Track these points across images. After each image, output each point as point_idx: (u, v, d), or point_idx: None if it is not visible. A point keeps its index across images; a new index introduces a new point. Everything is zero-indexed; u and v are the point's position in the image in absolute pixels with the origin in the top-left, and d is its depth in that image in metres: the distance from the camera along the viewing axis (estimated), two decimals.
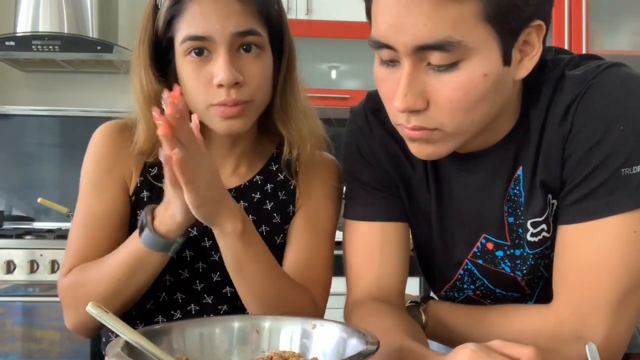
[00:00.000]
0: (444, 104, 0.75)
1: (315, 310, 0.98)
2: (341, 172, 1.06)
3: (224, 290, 1.01)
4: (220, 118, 0.93)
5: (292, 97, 1.02)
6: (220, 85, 0.91)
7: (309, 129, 1.03)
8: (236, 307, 0.99)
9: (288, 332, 0.74)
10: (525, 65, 0.78)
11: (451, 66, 0.73)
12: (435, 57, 0.73)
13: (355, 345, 0.66)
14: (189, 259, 1.00)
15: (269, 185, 1.05)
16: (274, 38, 0.98)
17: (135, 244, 0.90)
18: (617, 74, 0.81)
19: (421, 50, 0.73)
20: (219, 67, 0.91)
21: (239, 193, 1.03)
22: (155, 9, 0.97)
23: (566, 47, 2.58)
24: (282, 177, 1.06)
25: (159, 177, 0.99)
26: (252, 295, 0.93)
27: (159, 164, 0.99)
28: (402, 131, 0.81)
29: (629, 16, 2.80)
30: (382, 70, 0.80)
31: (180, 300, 1.00)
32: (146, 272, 0.91)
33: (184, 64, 0.94)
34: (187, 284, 1.00)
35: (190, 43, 0.92)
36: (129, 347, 0.64)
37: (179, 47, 0.93)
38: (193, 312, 1.00)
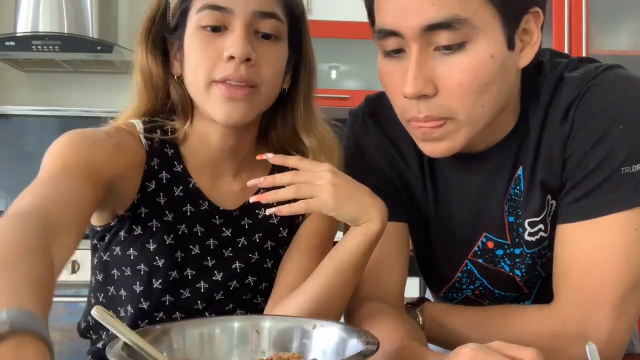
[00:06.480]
0: (454, 88, 0.75)
1: None
2: None
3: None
4: (221, 99, 0.86)
5: (313, 103, 0.98)
6: (230, 58, 0.84)
7: (328, 136, 1.00)
8: None
9: (288, 332, 0.74)
10: (527, 54, 0.80)
11: (459, 47, 0.74)
12: (443, 37, 0.73)
13: (355, 345, 0.66)
14: (190, 277, 0.94)
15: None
16: (293, 32, 0.93)
17: None
18: (614, 75, 0.82)
19: (429, 31, 0.73)
20: (233, 39, 0.85)
21: (242, 211, 0.98)
22: None
23: (566, 47, 2.58)
24: None
25: (157, 192, 0.92)
26: (324, 302, 0.83)
27: (155, 177, 0.92)
28: (414, 130, 0.81)
29: (629, 16, 2.80)
30: (387, 64, 0.80)
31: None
32: None
33: (195, 35, 0.87)
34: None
35: (208, 12, 0.85)
36: (128, 348, 0.64)
37: (194, 17, 0.87)
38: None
